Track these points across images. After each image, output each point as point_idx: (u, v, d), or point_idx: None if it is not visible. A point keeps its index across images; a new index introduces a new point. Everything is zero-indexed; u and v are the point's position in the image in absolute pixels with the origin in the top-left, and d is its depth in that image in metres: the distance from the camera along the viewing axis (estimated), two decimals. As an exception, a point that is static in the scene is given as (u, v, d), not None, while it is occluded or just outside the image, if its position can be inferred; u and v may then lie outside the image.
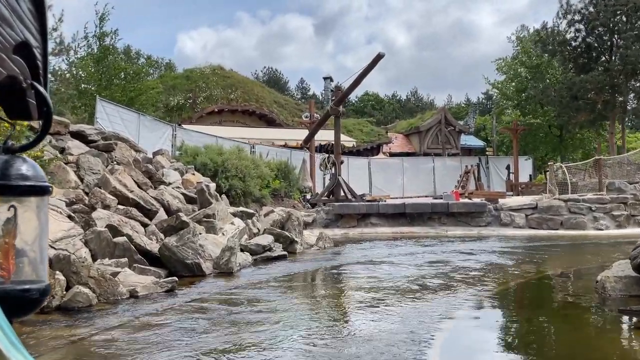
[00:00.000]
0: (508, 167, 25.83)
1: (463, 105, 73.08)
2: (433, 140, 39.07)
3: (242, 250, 9.74)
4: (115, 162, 11.09)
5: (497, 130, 32.16)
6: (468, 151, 40.21)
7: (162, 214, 9.76)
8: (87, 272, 6.07)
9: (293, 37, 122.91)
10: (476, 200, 17.53)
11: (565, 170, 15.92)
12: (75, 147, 11.07)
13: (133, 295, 6.32)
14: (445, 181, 27.41)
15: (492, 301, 6.40)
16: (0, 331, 0.75)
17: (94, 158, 10.05)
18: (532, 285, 7.57)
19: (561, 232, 14.69)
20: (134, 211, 8.87)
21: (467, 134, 43.37)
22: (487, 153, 31.66)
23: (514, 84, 27.70)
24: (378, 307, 5.79)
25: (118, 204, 9.00)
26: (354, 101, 65.41)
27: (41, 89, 1.05)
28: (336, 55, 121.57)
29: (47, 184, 1.03)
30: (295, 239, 11.07)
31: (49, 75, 1.21)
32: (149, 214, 9.54)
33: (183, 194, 11.36)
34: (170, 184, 11.60)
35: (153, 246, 8.10)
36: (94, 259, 7.49)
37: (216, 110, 31.33)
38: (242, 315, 5.40)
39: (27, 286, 0.99)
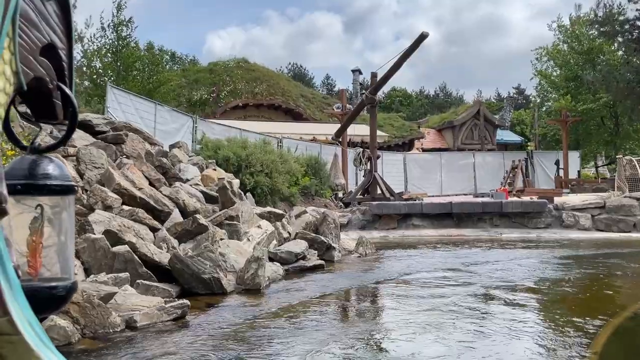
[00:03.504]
0: (557, 163, 23.70)
1: (494, 100, 70.63)
2: (467, 135, 37.09)
3: (271, 260, 8.14)
4: (124, 156, 9.62)
5: (544, 122, 29.93)
6: (504, 147, 38.07)
7: (176, 216, 8.23)
8: (69, 296, 4.53)
9: (321, 34, 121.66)
10: (532, 198, 15.61)
11: (637, 165, 13.93)
12: (80, 138, 9.64)
13: (130, 326, 4.76)
14: (485, 178, 25.47)
15: None
16: (30, 327, 0.76)
17: (98, 150, 8.56)
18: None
19: (635, 234, 12.73)
20: (141, 213, 7.34)
21: (503, 128, 41.21)
22: (528, 147, 29.49)
23: (562, 71, 25.50)
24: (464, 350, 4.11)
25: (123, 204, 7.49)
26: (380, 97, 63.50)
27: (67, 90, 1.06)
28: (363, 52, 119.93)
29: (72, 183, 1.04)
30: (333, 244, 9.43)
31: None
32: (161, 215, 8.00)
33: (202, 192, 9.83)
34: (187, 180, 10.08)
35: (162, 257, 6.54)
36: (88, 273, 5.98)
37: (240, 104, 29.94)
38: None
39: (54, 283, 1.00)
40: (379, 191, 15.98)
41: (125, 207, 7.40)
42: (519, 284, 6.99)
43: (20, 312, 0.77)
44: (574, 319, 5.04)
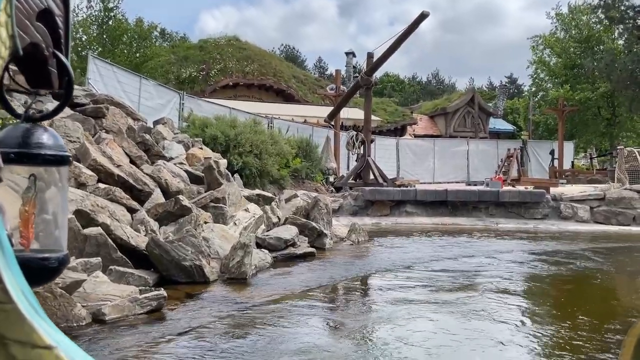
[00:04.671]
0: (552, 152, 23.30)
1: (485, 89, 70.32)
2: (460, 122, 36.68)
3: (258, 246, 7.61)
4: (104, 131, 8.98)
5: (539, 111, 29.51)
6: (496, 135, 37.72)
7: (157, 196, 7.63)
8: (27, 285, 3.96)
9: (315, 17, 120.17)
10: (527, 188, 15.19)
11: (638, 156, 13.52)
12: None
13: (98, 319, 4.21)
14: (478, 167, 25.07)
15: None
16: (23, 296, 0.74)
17: (74, 123, 7.92)
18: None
19: (635, 228, 12.36)
20: (118, 192, 6.74)
21: (496, 117, 40.83)
22: (522, 137, 29.09)
23: (560, 59, 25.00)
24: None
25: (99, 181, 6.90)
26: (375, 79, 62.80)
27: (63, 57, 1.03)
28: (358, 36, 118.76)
29: (67, 153, 1.02)
30: (324, 231, 8.90)
31: None
32: (140, 196, 7.42)
33: (187, 171, 9.24)
34: (171, 159, 9.47)
35: (140, 240, 5.97)
36: (55, 257, 5.41)
37: (231, 84, 29.12)
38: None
39: (46, 255, 0.99)
40: (371, 176, 15.46)
41: (102, 185, 6.80)
42: (523, 280, 6.53)
43: (14, 280, 0.75)
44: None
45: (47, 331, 0.74)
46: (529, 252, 8.74)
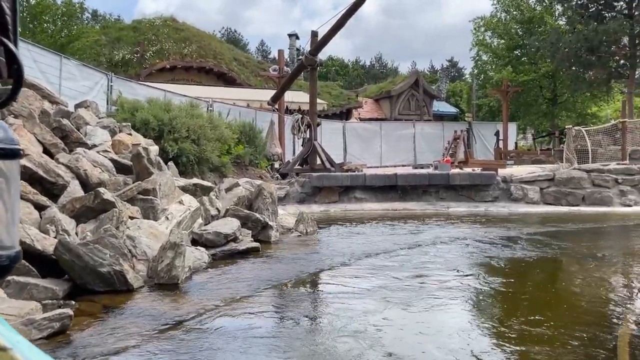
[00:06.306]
0: (497, 134, 23.35)
1: (427, 72, 71.00)
2: (405, 105, 36.60)
3: (195, 243, 6.76)
4: (12, 115, 7.81)
5: (481, 93, 29.65)
6: (440, 118, 37.95)
7: (75, 190, 6.63)
8: None
9: (259, 1, 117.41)
10: (474, 170, 14.93)
11: (586, 135, 13.45)
12: (-48, 92, 7.71)
13: (-22, 351, 3.29)
14: (425, 149, 24.89)
15: None
16: None
17: (-29, 106, 6.74)
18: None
19: (584, 208, 12.28)
20: (23, 186, 5.71)
21: (439, 99, 41.10)
22: (467, 119, 29.17)
23: (503, 41, 25.03)
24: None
25: None
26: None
27: (11, 45, 0.99)
28: (302, 21, 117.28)
29: (18, 147, 1.01)
30: (269, 222, 8.13)
31: None
32: (53, 189, 6.41)
33: (112, 160, 8.23)
34: (94, 146, 8.40)
35: (48, 243, 5.01)
36: None
37: (168, 66, 27.54)
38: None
39: None
40: (318, 161, 14.77)
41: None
42: (485, 268, 6.02)
43: None
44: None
45: (3, 333, 0.75)
46: (484, 240, 8.30)
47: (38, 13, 17.47)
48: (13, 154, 0.98)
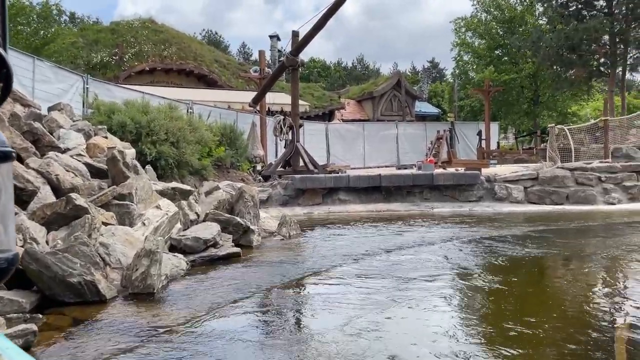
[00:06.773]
0: (479, 133, 23.38)
1: (409, 73, 71.25)
2: (387, 106, 36.60)
3: (173, 249, 6.52)
4: (-21, 119, 7.48)
5: (463, 94, 29.71)
6: (422, 118, 38.01)
7: (46, 195, 6.35)
8: None
9: (241, 3, 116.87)
10: (458, 170, 14.85)
11: (569, 134, 13.44)
12: None
13: None
14: (408, 150, 24.82)
15: None
16: None
17: None
18: None
19: (568, 207, 12.26)
20: (-11, 193, 5.42)
21: (421, 100, 41.20)
22: (449, 119, 29.21)
23: (484, 41, 25.09)
24: None
25: (-36, 180, 5.52)
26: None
27: (0, 50, 1.00)
28: (284, 22, 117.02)
29: (9, 149, 1.01)
30: (251, 226, 7.91)
31: None
32: (22, 195, 6.12)
33: (87, 164, 7.92)
34: (67, 150, 8.10)
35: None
36: None
37: (147, 69, 27.11)
38: None
39: None
40: (301, 163, 14.57)
41: (-33, 185, 5.45)
42: (477, 271, 5.87)
43: None
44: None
45: None
46: (470, 240, 8.17)
47: (12, 15, 17.00)
48: (5, 156, 0.98)
